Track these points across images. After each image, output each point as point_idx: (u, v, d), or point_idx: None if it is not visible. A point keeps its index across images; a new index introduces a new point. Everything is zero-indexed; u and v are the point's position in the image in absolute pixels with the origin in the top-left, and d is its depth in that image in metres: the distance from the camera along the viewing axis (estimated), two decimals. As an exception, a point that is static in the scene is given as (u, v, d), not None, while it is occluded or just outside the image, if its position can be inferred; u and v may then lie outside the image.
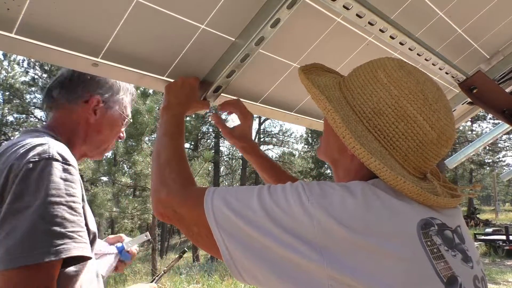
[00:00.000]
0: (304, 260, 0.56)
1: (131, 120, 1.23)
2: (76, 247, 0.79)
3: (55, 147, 0.86)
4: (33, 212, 0.76)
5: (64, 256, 0.77)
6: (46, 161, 0.82)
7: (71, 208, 0.81)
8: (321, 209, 0.58)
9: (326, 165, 23.87)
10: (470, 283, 0.61)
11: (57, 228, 0.77)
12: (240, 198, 0.64)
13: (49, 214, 0.78)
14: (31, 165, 0.80)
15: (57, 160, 0.83)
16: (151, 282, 1.36)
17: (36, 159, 0.81)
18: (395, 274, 0.54)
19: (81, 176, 1.27)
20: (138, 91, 10.07)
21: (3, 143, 1.07)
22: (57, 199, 0.79)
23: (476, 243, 12.63)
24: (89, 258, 0.84)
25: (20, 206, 0.77)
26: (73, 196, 0.83)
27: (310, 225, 0.57)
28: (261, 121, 27.03)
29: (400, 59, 0.72)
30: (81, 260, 0.83)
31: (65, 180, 0.83)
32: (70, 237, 0.79)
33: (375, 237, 0.55)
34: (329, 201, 0.59)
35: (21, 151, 0.83)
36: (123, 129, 1.19)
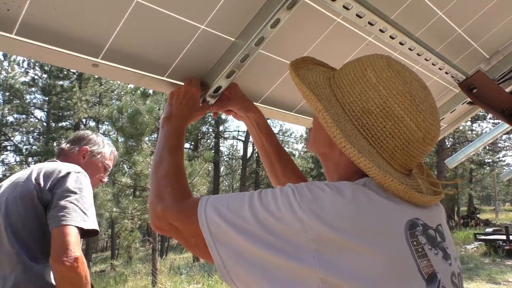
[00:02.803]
0: (297, 265, 0.57)
1: (110, 168, 1.84)
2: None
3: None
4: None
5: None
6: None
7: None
8: (313, 214, 0.58)
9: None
10: (448, 279, 0.64)
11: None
12: (232, 207, 0.65)
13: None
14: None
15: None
16: None
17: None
18: (382, 273, 0.56)
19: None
20: (138, 91, 10.06)
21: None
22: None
23: (476, 243, 12.66)
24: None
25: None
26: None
27: (302, 231, 0.58)
28: (261, 121, 26.93)
29: (388, 57, 0.74)
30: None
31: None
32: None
33: (365, 238, 0.57)
34: (320, 205, 0.59)
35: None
36: (105, 176, 1.79)
